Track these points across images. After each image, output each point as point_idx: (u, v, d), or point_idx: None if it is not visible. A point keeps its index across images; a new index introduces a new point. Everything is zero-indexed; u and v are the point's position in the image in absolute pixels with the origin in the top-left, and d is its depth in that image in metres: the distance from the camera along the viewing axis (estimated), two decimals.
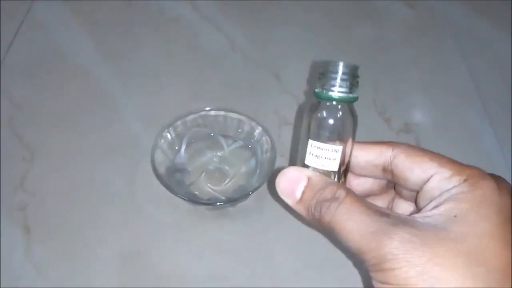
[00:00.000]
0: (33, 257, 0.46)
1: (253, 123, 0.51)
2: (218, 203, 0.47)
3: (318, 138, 0.30)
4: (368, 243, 0.25)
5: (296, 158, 0.32)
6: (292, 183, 0.29)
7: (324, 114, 0.30)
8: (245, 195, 0.47)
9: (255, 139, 0.51)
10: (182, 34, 0.67)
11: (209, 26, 0.68)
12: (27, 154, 0.54)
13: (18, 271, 0.45)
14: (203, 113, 0.52)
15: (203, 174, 0.51)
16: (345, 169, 0.31)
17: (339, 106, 0.30)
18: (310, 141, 0.30)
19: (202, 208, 0.50)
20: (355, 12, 0.72)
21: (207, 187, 0.50)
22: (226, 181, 0.51)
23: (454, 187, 0.26)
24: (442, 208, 0.26)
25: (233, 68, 0.63)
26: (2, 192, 0.51)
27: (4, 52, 0.64)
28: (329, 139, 0.30)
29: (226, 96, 0.60)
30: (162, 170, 0.48)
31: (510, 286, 0.23)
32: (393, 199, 0.34)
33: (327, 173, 0.30)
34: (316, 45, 0.67)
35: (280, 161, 0.51)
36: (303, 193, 0.29)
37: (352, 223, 0.25)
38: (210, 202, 0.48)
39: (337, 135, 0.30)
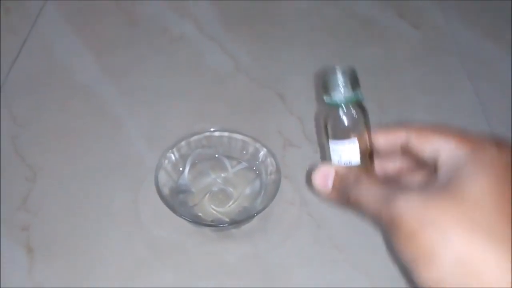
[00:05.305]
0: (36, 277, 0.46)
1: (257, 145, 0.51)
2: (222, 225, 0.47)
3: (336, 138, 0.34)
4: (380, 205, 0.29)
5: (325, 160, 0.36)
6: (324, 177, 0.34)
7: (336, 117, 0.34)
8: (249, 217, 0.46)
9: (260, 160, 0.51)
10: (186, 53, 0.67)
11: (213, 45, 0.68)
12: (29, 173, 0.53)
13: None
14: (207, 133, 0.52)
15: (207, 195, 0.50)
16: (370, 157, 0.35)
17: (347, 107, 0.33)
18: (330, 142, 0.34)
19: (206, 229, 0.50)
20: (361, 32, 0.72)
21: (211, 209, 0.50)
22: (230, 203, 0.50)
23: (459, 153, 0.29)
24: (447, 171, 0.29)
25: (237, 88, 0.63)
26: (5, 211, 0.50)
27: (7, 69, 0.64)
28: (346, 137, 0.34)
29: (230, 116, 0.60)
30: (166, 191, 0.47)
31: (509, 232, 0.25)
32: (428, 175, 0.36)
33: (352, 166, 0.34)
34: (321, 66, 0.66)
35: (284, 183, 0.51)
36: (334, 181, 0.34)
37: (370, 196, 0.30)
38: (214, 224, 0.48)
39: (351, 132, 0.34)
